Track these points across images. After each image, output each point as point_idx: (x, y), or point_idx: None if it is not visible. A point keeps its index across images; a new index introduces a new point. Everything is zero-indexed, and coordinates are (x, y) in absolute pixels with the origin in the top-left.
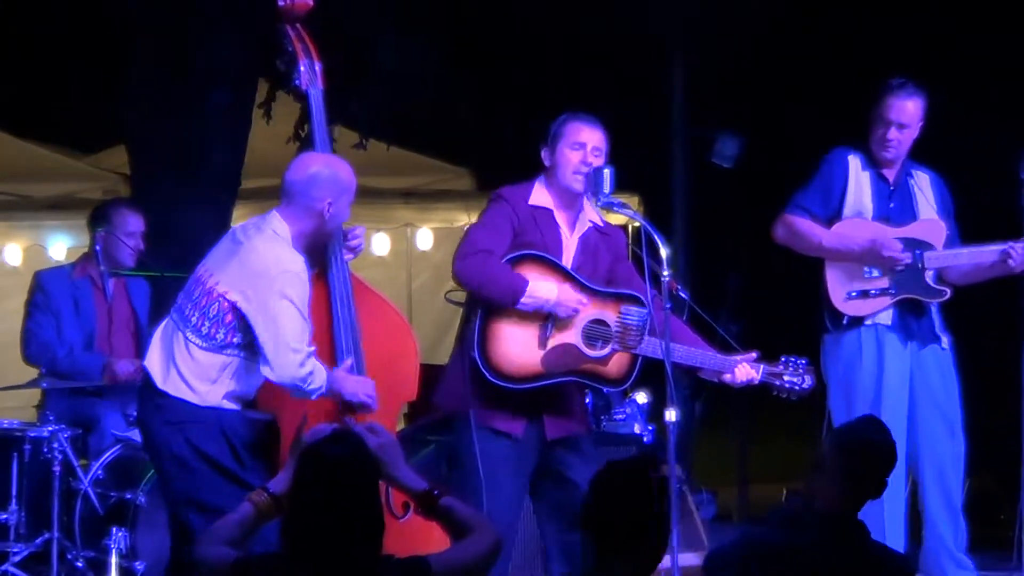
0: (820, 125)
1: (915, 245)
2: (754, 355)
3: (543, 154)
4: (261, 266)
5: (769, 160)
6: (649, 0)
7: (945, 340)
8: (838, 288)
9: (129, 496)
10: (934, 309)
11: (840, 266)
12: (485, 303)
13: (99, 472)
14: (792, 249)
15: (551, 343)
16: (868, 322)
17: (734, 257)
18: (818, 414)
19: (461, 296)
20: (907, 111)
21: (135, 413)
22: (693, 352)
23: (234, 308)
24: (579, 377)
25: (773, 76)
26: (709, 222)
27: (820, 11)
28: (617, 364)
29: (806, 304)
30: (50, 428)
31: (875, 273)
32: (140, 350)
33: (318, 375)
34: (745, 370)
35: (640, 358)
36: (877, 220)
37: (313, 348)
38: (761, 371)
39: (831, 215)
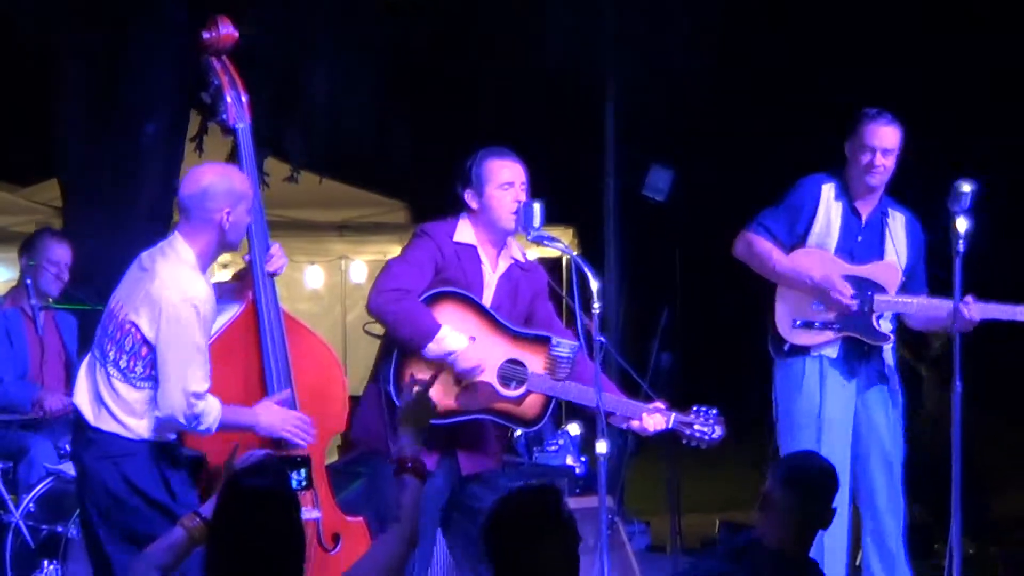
0: (753, 158)
1: (868, 286)
2: (663, 404)
3: (466, 196)
4: (163, 293)
5: (703, 193)
6: (584, 33)
7: (893, 381)
8: (786, 315)
9: (60, 529)
10: (885, 351)
11: (791, 294)
12: (398, 341)
13: (30, 505)
14: (747, 266)
15: (467, 381)
16: (814, 353)
17: (667, 289)
18: (751, 445)
19: (379, 329)
20: (889, 136)
21: (66, 446)
22: (605, 397)
23: (146, 340)
24: (493, 416)
25: (706, 110)
26: (643, 254)
27: (752, 46)
28: (531, 405)
29: (738, 338)
30: None
31: (823, 306)
32: (71, 383)
33: (207, 416)
34: (654, 418)
35: (553, 400)
36: (839, 254)
37: (207, 386)
38: (672, 419)
39: (795, 241)
